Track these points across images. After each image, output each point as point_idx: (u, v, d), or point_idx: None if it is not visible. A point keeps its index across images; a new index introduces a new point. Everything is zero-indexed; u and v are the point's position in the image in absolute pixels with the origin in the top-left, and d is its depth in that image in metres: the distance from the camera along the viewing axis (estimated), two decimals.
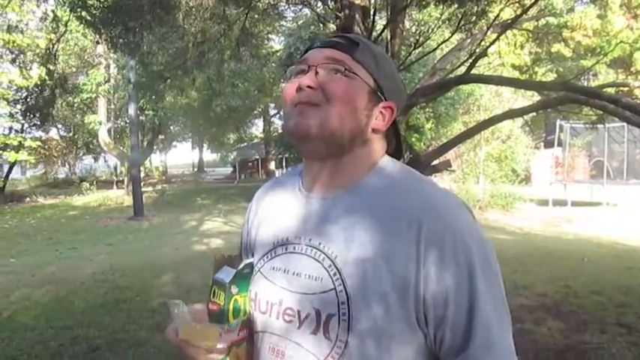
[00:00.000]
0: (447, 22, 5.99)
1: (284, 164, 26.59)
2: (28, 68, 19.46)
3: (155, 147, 29.53)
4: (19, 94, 19.86)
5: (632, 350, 3.91)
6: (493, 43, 5.88)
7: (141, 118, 21.38)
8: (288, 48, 15.17)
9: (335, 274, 0.85)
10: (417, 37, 7.46)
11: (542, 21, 10.37)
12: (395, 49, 5.21)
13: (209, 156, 48.70)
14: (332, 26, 7.23)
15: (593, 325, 4.53)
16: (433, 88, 5.33)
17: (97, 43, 18.22)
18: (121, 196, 20.56)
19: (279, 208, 1.00)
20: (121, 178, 24.01)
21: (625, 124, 9.52)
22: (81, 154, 30.13)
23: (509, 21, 5.78)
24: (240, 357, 0.95)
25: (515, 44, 10.93)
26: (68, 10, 6.09)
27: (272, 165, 30.41)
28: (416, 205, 0.85)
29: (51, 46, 15.27)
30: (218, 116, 22.30)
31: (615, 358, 3.81)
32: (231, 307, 0.91)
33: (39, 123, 21.69)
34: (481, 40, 6.17)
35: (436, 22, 6.92)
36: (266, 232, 1.01)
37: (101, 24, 5.79)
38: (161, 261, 8.23)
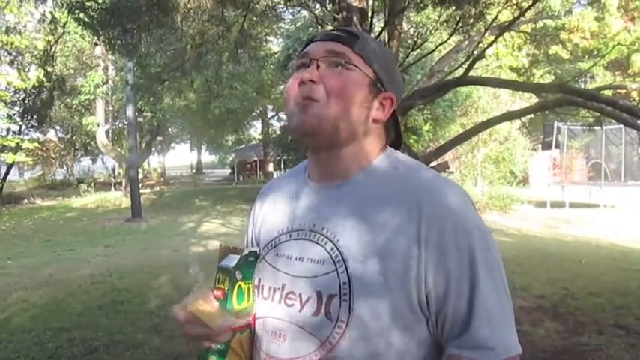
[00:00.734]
0: (444, 24, 6.00)
1: (282, 166, 26.60)
2: (26, 70, 19.40)
3: (153, 149, 29.51)
4: (17, 95, 19.81)
5: (630, 352, 3.92)
6: (491, 45, 5.90)
7: (139, 119, 21.42)
8: (286, 50, 15.18)
9: (337, 257, 0.87)
10: (415, 39, 7.48)
11: (540, 23, 10.40)
12: (393, 50, 5.22)
13: (207, 158, 48.72)
14: (330, 28, 7.24)
15: (590, 326, 4.53)
16: (431, 90, 5.34)
17: (95, 44, 18.20)
18: (119, 198, 20.53)
19: (283, 200, 1.02)
20: (119, 180, 23.95)
21: (622, 126, 9.54)
22: (79, 156, 30.06)
23: (506, 23, 5.80)
24: (244, 343, 0.96)
25: (512, 46, 10.97)
26: (66, 11, 6.07)
27: (270, 167, 30.41)
28: (417, 191, 0.87)
29: (49, 47, 15.22)
30: (216, 118, 22.30)
31: (613, 359, 3.81)
32: (235, 292, 0.92)
33: (37, 125, 21.60)
34: (479, 42, 6.19)
35: (434, 24, 6.94)
36: (270, 223, 1.02)
37: (99, 26, 5.78)
38: (159, 262, 8.22)
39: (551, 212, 15.12)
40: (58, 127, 28.01)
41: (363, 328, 0.83)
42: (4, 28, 16.55)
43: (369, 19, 4.76)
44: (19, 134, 21.06)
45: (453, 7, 5.22)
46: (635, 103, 5.81)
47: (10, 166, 21.93)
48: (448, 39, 6.09)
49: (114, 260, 8.84)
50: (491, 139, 15.25)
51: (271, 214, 1.04)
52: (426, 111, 13.30)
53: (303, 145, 0.99)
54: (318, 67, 0.91)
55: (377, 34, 5.13)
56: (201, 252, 9.65)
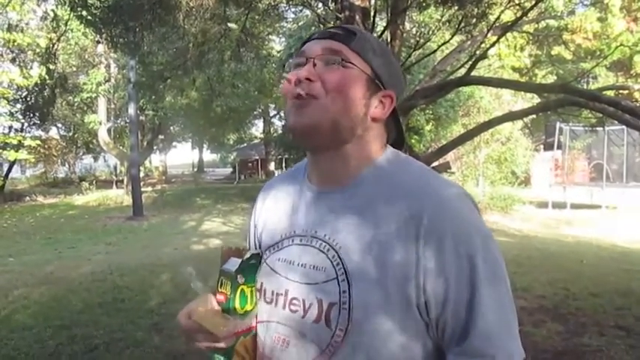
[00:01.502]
0: (447, 24, 5.99)
1: (284, 165, 26.61)
2: (29, 67, 19.45)
3: (155, 147, 29.52)
4: (19, 93, 19.86)
5: (631, 353, 3.91)
6: (493, 45, 5.89)
7: (141, 118, 21.42)
8: (288, 49, 15.17)
9: (338, 264, 0.86)
10: (418, 39, 7.46)
11: (543, 23, 10.39)
12: (395, 50, 5.21)
13: (209, 156, 48.75)
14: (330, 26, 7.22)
15: (591, 327, 4.53)
16: (433, 90, 5.34)
17: (98, 42, 18.21)
18: (120, 196, 20.55)
19: (285, 202, 1.02)
20: (120, 178, 24.00)
21: (624, 127, 9.52)
22: (81, 154, 30.10)
23: (509, 23, 5.79)
24: (248, 346, 0.96)
25: (515, 46, 10.95)
26: (69, 9, 6.08)
27: (272, 166, 30.44)
28: (417, 195, 0.86)
29: (51, 45, 15.27)
30: (218, 117, 22.31)
31: None
32: (237, 296, 0.92)
33: (39, 122, 21.69)
34: (481, 43, 6.18)
35: (436, 23, 6.92)
36: (272, 225, 1.02)
37: (101, 23, 5.79)
38: (160, 261, 8.22)
39: (553, 213, 15.10)
40: (60, 125, 28.06)
41: (363, 335, 0.83)
42: (6, 26, 16.58)
43: (372, 19, 4.76)
44: (21, 132, 21.10)
45: (456, 7, 5.22)
46: (638, 104, 5.79)
47: (12, 164, 21.96)
48: (450, 39, 6.09)
49: (115, 258, 8.84)
50: (493, 140, 15.23)
51: (273, 215, 1.03)
52: (427, 111, 13.28)
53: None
54: (315, 65, 0.90)
55: (379, 33, 5.12)
56: (202, 250, 9.66)
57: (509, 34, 8.27)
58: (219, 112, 21.44)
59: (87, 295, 6.01)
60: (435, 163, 7.87)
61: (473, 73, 5.08)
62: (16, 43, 17.07)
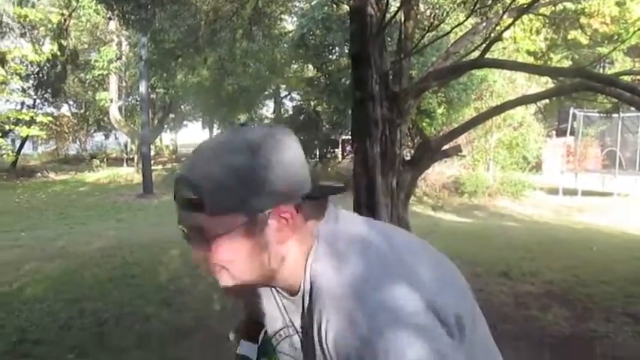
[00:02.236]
0: (462, 5, 5.90)
1: None
2: (40, 43, 19.47)
3: (165, 125, 29.54)
4: (31, 69, 19.92)
5: (638, 340, 3.90)
6: (508, 27, 5.78)
7: (152, 96, 21.41)
8: (300, 29, 15.03)
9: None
10: (431, 20, 7.35)
11: (560, 6, 10.18)
12: (408, 31, 5.14)
13: None
14: (345, 7, 7.15)
15: (599, 313, 4.52)
16: (446, 72, 5.27)
17: (109, 19, 18.16)
18: (130, 174, 20.67)
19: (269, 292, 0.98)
20: (131, 156, 24.04)
21: None
22: (92, 131, 30.22)
23: (525, 5, 5.68)
24: None
25: (530, 30, 10.77)
26: None
27: None
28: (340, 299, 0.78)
29: (63, 21, 15.26)
30: (229, 96, 22.21)
31: (620, 347, 3.80)
32: None
33: (50, 98, 21.77)
34: (496, 25, 6.07)
35: (451, 5, 6.82)
36: (269, 311, 0.98)
37: (113, 0, 5.76)
38: (170, 238, 8.27)
39: (564, 199, 15.00)
40: (71, 102, 28.15)
41: None
42: (18, 1, 16.55)
43: None
44: (33, 108, 21.21)
45: None
46: None
47: (24, 140, 22.12)
48: (465, 20, 5.97)
49: (125, 235, 8.93)
50: (505, 124, 15.10)
51: (267, 300, 0.98)
52: (440, 94, 13.15)
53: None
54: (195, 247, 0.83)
55: (393, 14, 5.05)
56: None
57: (524, 17, 8.14)
58: (230, 92, 21.34)
59: (97, 270, 6.08)
60: (446, 147, 7.82)
61: (487, 56, 5.00)
62: (27, 19, 17.07)
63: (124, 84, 24.35)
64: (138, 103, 21.92)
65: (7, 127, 19.07)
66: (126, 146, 27.23)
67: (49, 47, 18.81)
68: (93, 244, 7.96)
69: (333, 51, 15.86)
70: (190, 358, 3.59)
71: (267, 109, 36.23)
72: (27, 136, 20.32)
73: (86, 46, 23.52)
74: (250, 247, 0.79)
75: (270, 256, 0.81)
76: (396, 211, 7.04)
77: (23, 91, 20.07)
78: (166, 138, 37.49)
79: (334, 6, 12.01)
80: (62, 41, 15.79)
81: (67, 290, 5.17)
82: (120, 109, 22.86)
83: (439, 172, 17.24)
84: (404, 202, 7.24)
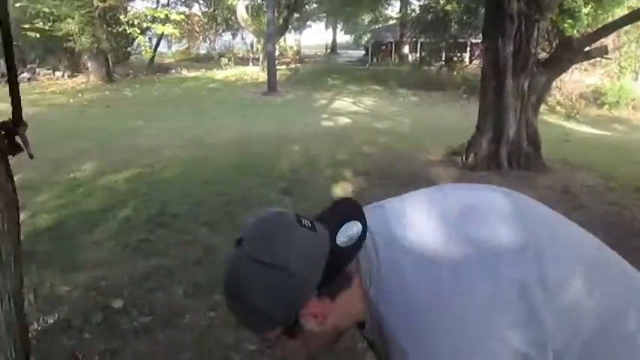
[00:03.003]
0: None
1: (418, 48, 25.51)
2: None
3: (290, 26, 29.62)
4: None
5: None
6: None
7: None
8: None
9: None
10: None
11: None
12: None
13: (342, 38, 48.04)
14: None
15: None
16: None
17: None
18: (256, 72, 21.31)
19: None
20: (256, 56, 24.61)
21: None
22: (220, 31, 31.22)
23: None
24: None
25: None
26: None
27: (406, 49, 29.20)
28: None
29: None
30: None
31: None
32: None
33: None
34: None
35: None
36: None
37: None
38: (291, 134, 8.55)
39: None
40: (201, 1, 29.01)
41: None
42: None
43: None
44: (167, 6, 22.19)
45: None
46: None
47: (159, 38, 23.42)
48: None
49: (250, 128, 9.36)
50: None
51: None
52: None
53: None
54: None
55: None
56: (332, 127, 9.84)
57: None
58: None
59: (226, 158, 6.48)
60: (590, 47, 7.02)
61: None
62: None
63: None
64: (264, 1, 22.01)
65: (144, 25, 20.22)
66: (252, 46, 27.88)
67: None
68: (221, 135, 8.45)
69: None
70: None
71: (393, 9, 34.81)
72: (162, 34, 21.46)
73: None
74: (302, 342, 0.87)
75: (323, 336, 0.88)
76: (524, 114, 6.61)
77: None
78: (290, 39, 37.66)
79: None
80: None
81: (199, 175, 5.59)
82: (247, 8, 23.17)
83: (577, 81, 15.80)
84: (535, 107, 6.76)
